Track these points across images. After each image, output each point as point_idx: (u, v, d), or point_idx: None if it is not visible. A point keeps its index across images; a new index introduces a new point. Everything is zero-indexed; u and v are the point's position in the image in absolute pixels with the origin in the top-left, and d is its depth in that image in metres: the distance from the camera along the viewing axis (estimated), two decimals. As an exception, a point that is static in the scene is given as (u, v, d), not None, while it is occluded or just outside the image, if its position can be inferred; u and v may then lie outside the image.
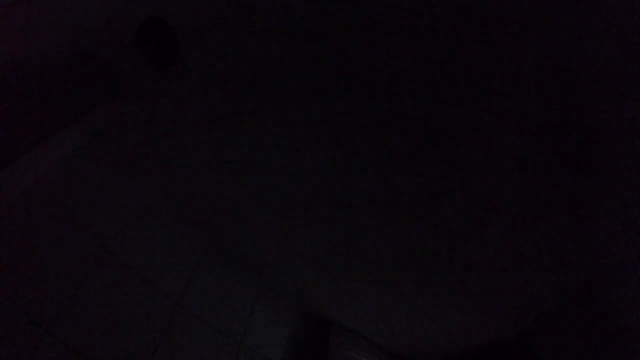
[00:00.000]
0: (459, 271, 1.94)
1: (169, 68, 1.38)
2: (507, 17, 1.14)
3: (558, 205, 1.56)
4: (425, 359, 2.38)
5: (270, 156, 1.53)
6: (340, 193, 1.56)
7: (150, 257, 1.52)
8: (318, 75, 1.31)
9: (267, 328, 1.96)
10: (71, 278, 1.26)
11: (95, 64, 1.38)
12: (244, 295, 1.92)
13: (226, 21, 1.27)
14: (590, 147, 1.37)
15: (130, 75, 1.43)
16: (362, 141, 1.39)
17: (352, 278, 2.08)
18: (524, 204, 1.59)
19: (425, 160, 1.41)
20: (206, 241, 1.85)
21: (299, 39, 1.25)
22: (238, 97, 1.41)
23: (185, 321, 1.58)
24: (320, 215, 1.81)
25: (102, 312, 1.32)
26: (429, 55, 1.22)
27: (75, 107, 1.38)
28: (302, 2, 1.19)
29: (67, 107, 1.38)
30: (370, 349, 2.25)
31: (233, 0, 1.23)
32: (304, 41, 1.24)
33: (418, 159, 1.41)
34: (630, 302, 1.70)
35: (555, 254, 1.76)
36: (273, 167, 1.56)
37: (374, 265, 2.02)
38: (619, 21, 1.10)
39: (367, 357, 2.25)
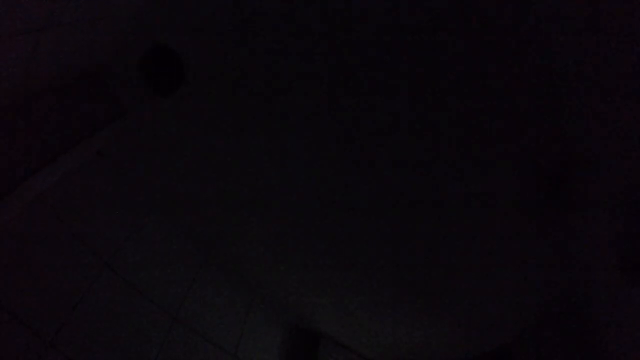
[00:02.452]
0: (447, 287, 1.96)
1: (174, 93, 1.46)
2: (499, 19, 1.17)
3: (544, 223, 1.59)
4: None
5: (270, 162, 1.59)
6: (338, 195, 1.61)
7: (148, 272, 1.57)
8: (318, 75, 1.36)
9: (260, 340, 2.00)
10: (73, 293, 1.31)
11: (101, 88, 1.44)
12: (238, 308, 1.95)
13: (229, 35, 1.32)
14: (575, 160, 1.37)
15: (134, 98, 1.50)
16: (361, 148, 1.45)
17: (343, 292, 2.13)
18: (513, 220, 1.60)
19: (423, 165, 1.46)
20: (203, 256, 1.89)
21: (300, 45, 1.30)
22: (240, 107, 1.47)
23: (181, 334, 1.61)
24: (314, 227, 1.84)
25: (103, 326, 1.35)
26: (428, 55, 1.27)
27: (80, 129, 1.43)
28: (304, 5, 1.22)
29: (72, 128, 1.44)
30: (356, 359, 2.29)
31: (233, 10, 1.27)
32: (304, 44, 1.29)
33: (414, 164, 1.47)
34: (610, 319, 1.66)
35: (539, 271, 1.78)
36: (272, 175, 1.62)
37: (365, 280, 2.08)
38: (619, 22, 1.11)
39: None
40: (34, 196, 1.35)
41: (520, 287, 1.81)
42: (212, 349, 1.59)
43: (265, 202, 1.68)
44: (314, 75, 1.35)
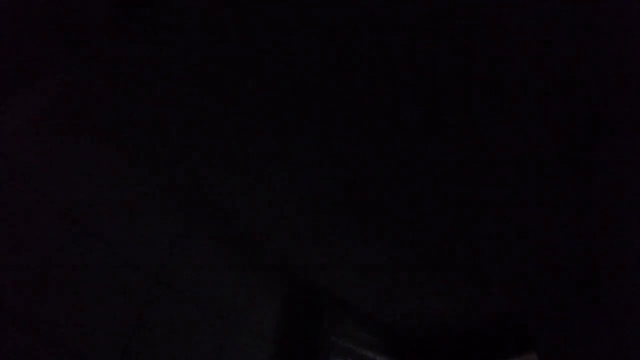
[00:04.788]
0: (463, 249, 1.84)
1: (141, 12, 1.19)
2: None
3: (566, 193, 1.48)
4: (420, 332, 2.40)
5: (263, 95, 1.37)
6: (345, 138, 1.43)
7: (125, 231, 1.41)
8: (319, 62, 1.17)
9: (257, 300, 1.86)
10: (42, 258, 1.16)
11: (61, 13, 1.18)
12: (232, 267, 1.83)
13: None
14: (600, 137, 1.29)
15: (98, 26, 1.24)
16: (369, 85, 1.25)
17: (348, 247, 1.95)
18: (532, 190, 1.50)
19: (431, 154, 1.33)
20: (188, 209, 1.73)
21: (302, 33, 1.11)
22: (226, 32, 1.23)
23: (166, 298, 1.48)
24: (316, 170, 1.61)
25: (76, 295, 1.22)
26: (436, 50, 1.09)
27: (38, 61, 1.19)
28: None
29: (29, 60, 1.20)
30: (363, 320, 2.24)
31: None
32: (306, 36, 1.11)
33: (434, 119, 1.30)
34: (627, 293, 1.59)
35: (560, 237, 1.69)
36: (264, 112, 1.40)
37: (373, 235, 1.87)
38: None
39: (361, 328, 2.25)
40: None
41: (539, 252, 1.74)
42: (202, 311, 1.50)
43: (257, 144, 1.47)
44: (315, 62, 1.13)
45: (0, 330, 1.01)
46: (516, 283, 1.90)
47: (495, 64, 1.12)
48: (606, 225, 1.52)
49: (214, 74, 1.29)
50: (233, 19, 1.15)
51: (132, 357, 1.24)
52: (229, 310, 1.61)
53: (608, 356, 1.56)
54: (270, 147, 1.49)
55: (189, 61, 1.27)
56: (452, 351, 2.25)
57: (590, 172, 1.37)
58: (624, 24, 1.05)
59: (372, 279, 2.03)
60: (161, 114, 1.42)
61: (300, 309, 1.92)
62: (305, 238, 1.87)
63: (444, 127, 1.30)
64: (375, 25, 1.10)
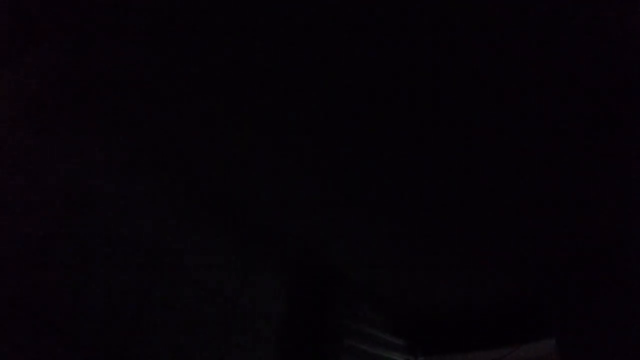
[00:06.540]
0: (477, 230, 1.70)
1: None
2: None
3: (585, 161, 1.34)
4: (437, 315, 2.30)
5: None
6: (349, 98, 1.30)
7: (121, 212, 1.32)
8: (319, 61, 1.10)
9: (266, 284, 1.72)
10: (32, 234, 1.15)
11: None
12: (235, 248, 1.66)
13: None
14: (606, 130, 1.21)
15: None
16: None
17: (362, 227, 1.78)
18: (546, 174, 1.38)
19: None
20: (183, 185, 1.56)
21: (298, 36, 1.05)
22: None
23: (168, 279, 1.38)
24: (324, 151, 1.44)
25: (75, 277, 1.14)
26: (436, 49, 1.01)
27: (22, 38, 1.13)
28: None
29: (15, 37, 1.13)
30: (377, 303, 2.10)
31: None
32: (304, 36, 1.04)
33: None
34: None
35: (573, 212, 1.56)
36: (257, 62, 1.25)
37: (384, 215, 1.71)
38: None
39: (375, 311, 2.11)
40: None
41: (557, 233, 1.66)
42: (207, 294, 1.49)
43: (253, 101, 1.28)
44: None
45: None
46: (534, 266, 1.83)
47: (496, 61, 1.07)
48: (623, 206, 1.48)
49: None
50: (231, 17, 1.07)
51: (133, 340, 1.24)
52: (236, 293, 1.58)
53: (633, 343, 1.52)
54: (272, 130, 1.39)
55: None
56: (468, 335, 2.21)
57: (597, 162, 1.34)
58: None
59: (386, 261, 1.94)
60: (161, 109, 1.35)
61: (310, 289, 1.88)
62: (317, 219, 1.79)
63: (448, 118, 1.26)
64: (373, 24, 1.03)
